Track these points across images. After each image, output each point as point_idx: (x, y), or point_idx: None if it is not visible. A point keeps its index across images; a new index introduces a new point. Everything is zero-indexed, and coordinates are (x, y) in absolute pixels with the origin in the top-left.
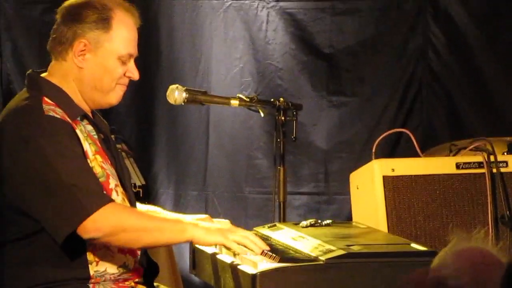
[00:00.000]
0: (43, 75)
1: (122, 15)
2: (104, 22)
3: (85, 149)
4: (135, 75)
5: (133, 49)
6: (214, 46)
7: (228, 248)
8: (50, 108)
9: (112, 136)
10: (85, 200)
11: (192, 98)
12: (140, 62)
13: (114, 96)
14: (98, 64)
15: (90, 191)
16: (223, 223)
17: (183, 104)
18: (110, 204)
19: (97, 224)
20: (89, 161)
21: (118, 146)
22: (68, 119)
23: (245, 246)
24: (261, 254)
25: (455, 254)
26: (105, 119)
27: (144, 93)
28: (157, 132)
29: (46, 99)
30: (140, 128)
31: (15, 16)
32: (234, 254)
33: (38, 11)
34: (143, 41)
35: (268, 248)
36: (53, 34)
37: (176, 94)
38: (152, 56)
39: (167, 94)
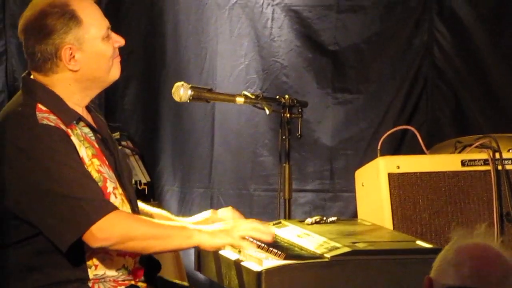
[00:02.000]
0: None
1: (79, 2)
2: (72, 19)
3: (81, 155)
4: (121, 41)
5: (105, 22)
6: (219, 44)
7: (237, 247)
8: (44, 116)
9: (118, 133)
10: (89, 208)
11: (197, 96)
12: (145, 59)
13: (115, 72)
14: (90, 57)
15: (92, 199)
16: (226, 210)
17: (188, 101)
18: (115, 212)
19: (105, 233)
20: (85, 165)
21: (124, 143)
22: (62, 126)
23: (253, 238)
24: (261, 249)
25: (456, 251)
26: (111, 117)
27: (149, 90)
28: (163, 129)
29: (40, 106)
30: (146, 125)
31: (20, 13)
32: (239, 251)
33: None
34: (149, 38)
35: (274, 233)
36: (32, 56)
37: (181, 92)
38: (158, 53)
39: (172, 91)
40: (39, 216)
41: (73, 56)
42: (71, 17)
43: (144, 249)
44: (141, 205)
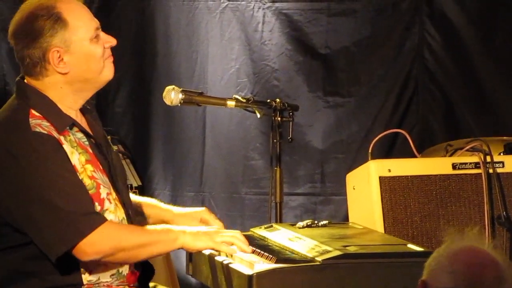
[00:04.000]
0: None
1: (65, 3)
2: (58, 22)
3: (73, 163)
4: (112, 41)
5: (94, 22)
6: (210, 47)
7: (218, 251)
8: (37, 123)
9: (108, 137)
10: (79, 221)
11: (188, 99)
12: (136, 62)
13: (107, 72)
14: (79, 59)
15: (84, 212)
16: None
17: (179, 105)
18: (105, 224)
19: (95, 247)
20: (77, 174)
21: (114, 147)
22: (55, 134)
23: (234, 245)
24: (253, 252)
25: (450, 256)
26: (102, 120)
27: (140, 94)
28: (154, 133)
29: (33, 111)
30: (137, 129)
31: (11, 16)
32: (227, 254)
33: None
34: (139, 42)
35: (250, 250)
36: (22, 61)
37: (172, 95)
38: (148, 57)
39: (163, 95)
40: (29, 225)
41: (62, 59)
42: (57, 20)
43: (132, 258)
44: (131, 196)
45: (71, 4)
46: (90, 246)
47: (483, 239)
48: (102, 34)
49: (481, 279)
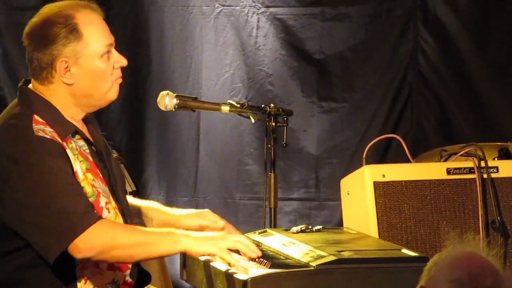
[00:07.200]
0: (31, 86)
1: (84, 16)
2: (73, 32)
3: (75, 169)
4: (123, 62)
5: (108, 39)
6: (204, 52)
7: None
8: (40, 128)
9: None
10: (75, 219)
11: (182, 104)
12: (131, 68)
13: (113, 94)
14: (86, 73)
15: (79, 211)
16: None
17: (173, 110)
18: (99, 221)
19: (88, 243)
20: (79, 181)
21: (113, 153)
22: (58, 139)
23: (238, 251)
24: (253, 260)
25: (452, 264)
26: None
27: (135, 99)
28: (148, 138)
29: (36, 117)
30: (131, 134)
31: (5, 22)
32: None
33: (29, 18)
34: (134, 47)
35: (260, 253)
36: (30, 63)
37: (166, 100)
38: (143, 62)
39: (157, 100)
40: (25, 226)
41: (69, 70)
42: (72, 30)
43: (129, 257)
44: (130, 199)
45: (89, 17)
46: (83, 242)
47: (483, 246)
48: (115, 53)
49: (481, 285)
